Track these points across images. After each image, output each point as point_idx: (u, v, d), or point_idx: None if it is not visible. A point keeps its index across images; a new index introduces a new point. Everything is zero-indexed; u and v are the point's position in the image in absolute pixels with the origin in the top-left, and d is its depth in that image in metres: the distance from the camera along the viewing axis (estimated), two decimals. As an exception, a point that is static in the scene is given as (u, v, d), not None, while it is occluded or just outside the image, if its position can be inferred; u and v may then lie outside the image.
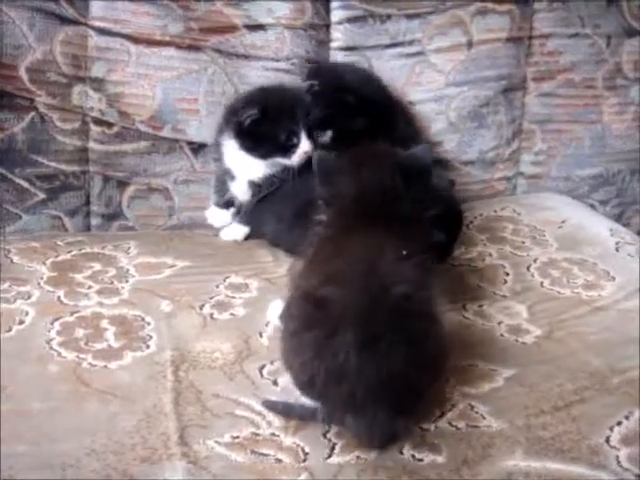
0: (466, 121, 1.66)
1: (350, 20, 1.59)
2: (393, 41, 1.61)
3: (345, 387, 0.93)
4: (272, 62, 1.56)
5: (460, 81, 1.64)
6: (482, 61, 1.64)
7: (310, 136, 1.39)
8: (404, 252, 0.98)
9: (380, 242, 0.99)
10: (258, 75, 1.56)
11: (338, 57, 1.60)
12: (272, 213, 1.44)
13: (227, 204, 1.52)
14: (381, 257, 0.97)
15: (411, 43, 1.61)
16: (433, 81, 1.63)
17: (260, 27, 1.55)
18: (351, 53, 1.60)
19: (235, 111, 1.42)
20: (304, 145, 1.39)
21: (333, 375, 0.93)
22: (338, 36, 1.60)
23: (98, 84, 1.51)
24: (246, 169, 1.44)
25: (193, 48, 1.53)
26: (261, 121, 1.38)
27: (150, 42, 1.51)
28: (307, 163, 1.41)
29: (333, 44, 1.60)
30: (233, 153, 1.43)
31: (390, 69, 1.61)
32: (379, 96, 1.54)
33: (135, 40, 1.51)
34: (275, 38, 1.56)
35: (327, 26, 1.59)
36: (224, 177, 1.49)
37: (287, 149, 1.39)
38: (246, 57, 1.56)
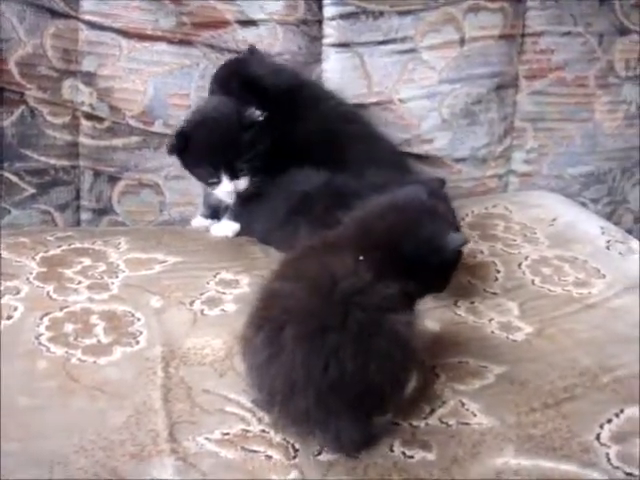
0: (458, 118, 1.66)
1: (343, 16, 1.59)
2: (386, 38, 1.61)
3: (300, 399, 0.91)
4: (264, 58, 1.56)
5: (452, 78, 1.64)
6: (474, 58, 1.64)
7: (237, 175, 1.38)
8: (361, 258, 0.96)
9: (345, 252, 0.98)
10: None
11: (330, 53, 1.60)
12: (262, 212, 1.43)
13: (213, 215, 1.51)
14: (339, 258, 0.96)
15: (403, 40, 1.61)
16: (425, 78, 1.63)
17: (252, 23, 1.55)
18: (343, 49, 1.60)
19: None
20: (225, 186, 1.39)
21: (286, 383, 0.91)
22: (330, 32, 1.59)
23: (89, 78, 1.51)
24: None
25: (185, 43, 1.53)
26: (184, 154, 1.39)
27: (141, 36, 1.51)
28: (299, 160, 1.41)
29: (325, 40, 1.60)
30: None
31: (382, 66, 1.61)
32: (286, 88, 1.49)
33: (126, 34, 1.51)
34: (267, 34, 1.56)
35: (319, 22, 1.59)
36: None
37: (209, 183, 1.40)
38: (238, 53, 1.55)
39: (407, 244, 1.02)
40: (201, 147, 1.38)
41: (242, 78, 1.44)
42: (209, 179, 1.39)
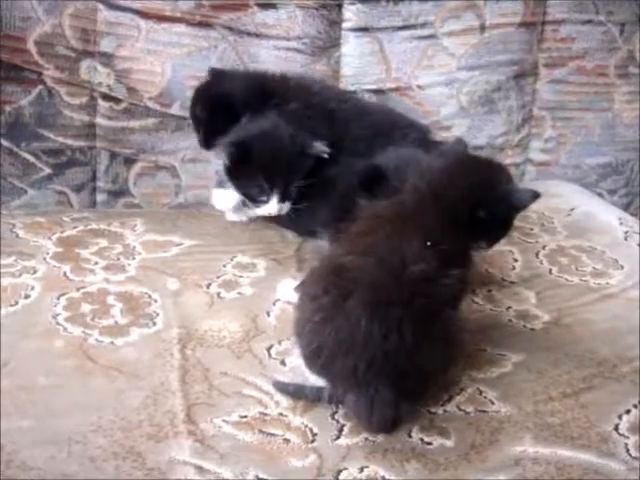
0: (477, 106, 1.65)
1: (362, 1, 1.57)
2: (405, 23, 1.59)
3: (350, 359, 0.93)
4: (283, 41, 1.55)
5: (472, 65, 1.63)
6: (494, 45, 1.62)
7: (286, 197, 1.33)
8: (428, 243, 0.97)
9: (415, 232, 0.99)
10: (268, 54, 1.55)
11: (349, 38, 1.58)
12: None
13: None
14: (407, 242, 0.97)
15: (423, 25, 1.60)
16: (444, 64, 1.62)
17: (272, 6, 1.54)
18: (362, 34, 1.58)
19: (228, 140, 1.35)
20: (271, 206, 1.34)
21: (341, 343, 0.93)
22: (350, 16, 1.58)
23: (107, 59, 1.50)
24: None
25: (204, 25, 1.51)
26: (239, 165, 1.33)
27: (160, 18, 1.50)
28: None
29: (345, 25, 1.58)
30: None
31: (402, 51, 1.60)
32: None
33: (145, 15, 1.49)
34: (287, 17, 1.54)
35: (339, 6, 1.57)
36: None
37: (256, 200, 1.35)
38: (257, 35, 1.54)
39: (484, 205, 1.04)
40: (262, 163, 1.32)
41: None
42: (258, 196, 1.35)
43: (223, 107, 1.39)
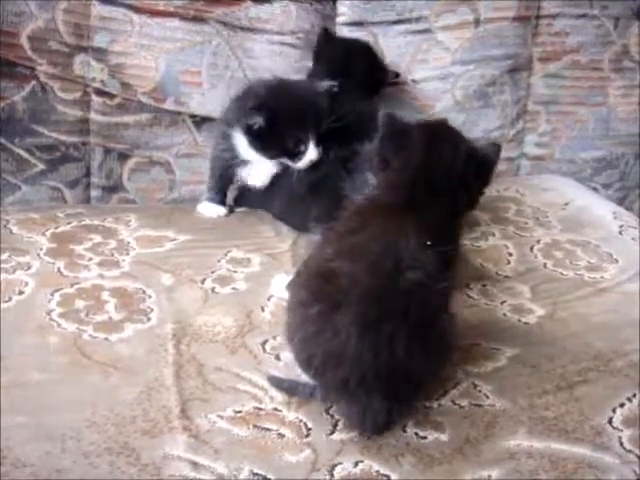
0: (471, 100, 1.65)
1: (356, -5, 1.57)
2: (400, 17, 1.59)
3: (341, 372, 0.91)
4: (277, 36, 1.54)
5: (466, 59, 1.62)
6: (489, 40, 1.62)
7: (320, 143, 1.35)
8: (428, 243, 0.94)
9: (409, 226, 0.95)
10: (263, 49, 1.54)
11: (344, 32, 1.58)
12: (280, 188, 1.41)
13: (221, 198, 1.48)
14: (404, 241, 0.93)
15: (418, 20, 1.59)
16: (439, 59, 1.62)
17: (266, 0, 1.53)
18: (357, 28, 1.58)
19: (245, 110, 1.36)
20: (311, 153, 1.35)
21: (331, 357, 0.91)
22: (344, 11, 1.58)
23: (100, 54, 1.49)
24: (259, 161, 1.40)
25: (197, 19, 1.51)
26: (268, 127, 1.34)
27: (154, 12, 1.49)
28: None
29: (339, 19, 1.58)
30: (244, 147, 1.39)
31: (396, 46, 1.60)
32: None
33: (138, 10, 1.49)
34: (281, 11, 1.54)
35: (333, 0, 1.57)
36: (227, 168, 1.44)
37: (294, 154, 1.36)
38: (251, 30, 1.54)
39: (469, 168, 1.04)
40: (289, 115, 1.34)
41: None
42: (296, 148, 1.36)
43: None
